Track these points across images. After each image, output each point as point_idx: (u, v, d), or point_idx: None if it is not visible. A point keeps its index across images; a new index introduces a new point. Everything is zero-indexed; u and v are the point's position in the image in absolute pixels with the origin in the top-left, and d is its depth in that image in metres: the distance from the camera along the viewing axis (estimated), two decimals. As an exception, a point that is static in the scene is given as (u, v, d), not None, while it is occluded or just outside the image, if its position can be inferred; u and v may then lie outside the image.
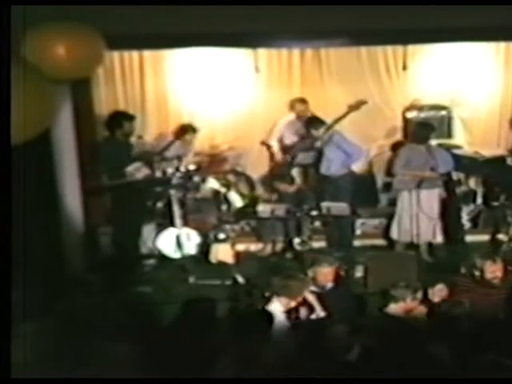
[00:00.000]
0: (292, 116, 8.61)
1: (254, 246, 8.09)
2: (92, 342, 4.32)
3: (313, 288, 5.78)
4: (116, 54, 8.21)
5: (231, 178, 8.67)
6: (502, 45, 8.55)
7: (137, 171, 7.28)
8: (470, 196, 8.37)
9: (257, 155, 8.87)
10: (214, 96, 8.71)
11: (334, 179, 7.86)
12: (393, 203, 7.90)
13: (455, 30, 6.72)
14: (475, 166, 8.30)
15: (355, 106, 8.08)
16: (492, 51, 8.64)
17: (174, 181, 7.64)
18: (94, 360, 4.15)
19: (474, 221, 8.27)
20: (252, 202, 8.31)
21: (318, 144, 7.95)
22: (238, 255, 7.69)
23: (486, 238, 7.99)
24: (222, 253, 7.59)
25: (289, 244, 7.82)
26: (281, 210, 7.44)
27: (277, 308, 5.32)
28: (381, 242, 8.09)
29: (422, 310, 5.52)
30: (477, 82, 8.79)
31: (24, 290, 5.01)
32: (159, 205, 7.81)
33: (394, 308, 5.45)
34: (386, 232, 8.02)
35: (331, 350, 4.52)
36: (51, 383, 3.92)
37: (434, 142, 7.86)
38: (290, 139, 8.51)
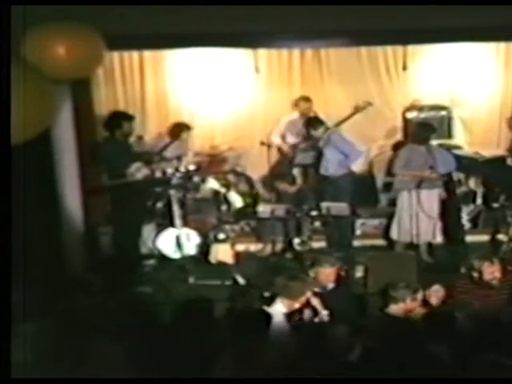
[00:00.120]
0: (295, 115, 8.60)
1: (253, 247, 8.09)
2: (92, 341, 4.31)
3: (315, 289, 5.75)
4: (116, 54, 8.22)
5: (231, 178, 8.67)
6: (502, 45, 8.56)
7: (137, 171, 7.28)
8: (470, 196, 8.37)
9: (257, 155, 8.87)
10: (214, 96, 8.72)
11: (333, 179, 7.86)
12: (393, 203, 7.89)
13: (455, 30, 6.73)
14: (475, 167, 8.29)
15: (361, 108, 8.09)
16: (492, 51, 8.65)
17: (174, 181, 7.64)
18: (94, 360, 4.15)
19: (474, 221, 8.27)
20: (252, 202, 8.31)
21: (318, 144, 7.95)
22: (237, 255, 7.69)
23: (485, 238, 7.98)
24: (222, 253, 7.59)
25: (289, 244, 7.82)
26: (281, 210, 7.44)
27: (279, 309, 5.29)
28: (381, 242, 8.09)
29: (421, 310, 5.51)
30: (477, 83, 8.80)
31: (24, 290, 5.01)
32: (159, 205, 7.81)
33: (394, 309, 5.45)
34: (385, 232, 8.02)
35: (331, 350, 4.51)
36: (51, 383, 3.91)
37: (434, 143, 7.86)
38: (291, 138, 8.51)
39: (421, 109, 8.70)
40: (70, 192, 7.20)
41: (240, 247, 7.94)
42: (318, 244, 7.86)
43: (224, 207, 8.30)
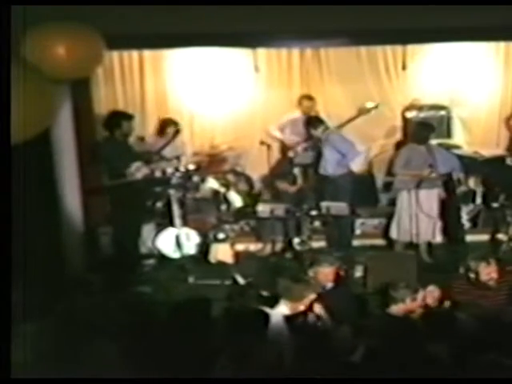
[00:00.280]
0: (297, 114, 8.59)
1: (253, 246, 8.09)
2: (92, 341, 4.32)
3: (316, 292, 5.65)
4: (116, 54, 8.22)
5: (231, 177, 8.67)
6: (502, 45, 8.56)
7: (137, 171, 7.28)
8: (470, 196, 8.37)
9: (256, 155, 8.86)
10: (213, 96, 8.72)
11: (333, 179, 7.85)
12: (392, 203, 7.90)
13: (455, 30, 6.73)
14: (475, 166, 8.29)
15: (365, 111, 8.10)
16: (492, 51, 8.64)
17: (174, 181, 7.63)
18: (94, 360, 4.15)
19: (474, 221, 8.28)
20: (251, 201, 8.31)
21: (318, 144, 7.96)
22: (237, 255, 7.69)
23: (485, 237, 7.99)
24: (222, 253, 7.60)
25: (288, 244, 7.82)
26: (280, 210, 7.44)
27: (282, 311, 5.23)
28: (380, 241, 8.10)
29: (419, 310, 5.51)
30: (476, 82, 8.80)
31: (24, 290, 5.01)
32: (159, 205, 7.81)
33: (394, 309, 5.44)
34: (385, 232, 8.02)
35: (331, 350, 4.52)
36: (51, 383, 3.92)
37: (433, 142, 7.86)
38: (291, 135, 8.52)
39: (420, 108, 8.71)
40: (70, 192, 7.19)
41: (240, 247, 7.94)
42: (318, 244, 7.86)
43: (224, 207, 8.30)
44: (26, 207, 5.96)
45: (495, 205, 7.84)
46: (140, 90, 8.67)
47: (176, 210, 7.57)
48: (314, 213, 7.51)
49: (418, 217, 7.47)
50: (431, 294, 5.73)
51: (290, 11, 6.18)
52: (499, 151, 8.68)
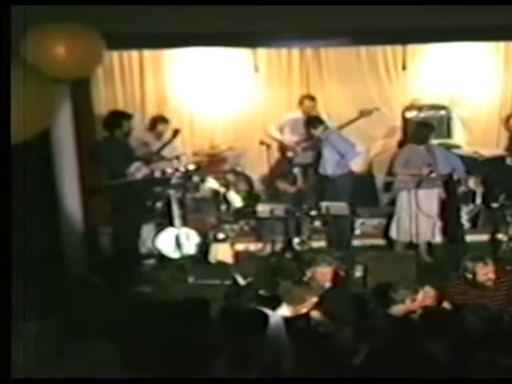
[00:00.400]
0: (298, 113, 8.58)
1: (253, 246, 8.08)
2: (91, 342, 4.31)
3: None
4: (115, 54, 8.22)
5: (231, 177, 8.67)
6: (502, 45, 8.56)
7: (137, 171, 7.28)
8: (470, 196, 8.37)
9: (256, 155, 8.86)
10: (213, 96, 8.72)
11: (333, 179, 7.86)
12: (392, 203, 7.89)
13: (455, 30, 6.73)
14: (475, 166, 8.29)
15: (366, 113, 8.10)
16: (492, 51, 8.65)
17: (174, 181, 7.64)
18: (94, 360, 4.15)
19: (474, 221, 8.27)
20: (251, 201, 8.31)
21: (318, 144, 7.96)
22: (237, 255, 7.69)
23: (485, 237, 7.98)
24: (222, 253, 7.59)
25: (288, 244, 7.82)
26: (280, 210, 7.44)
27: (284, 313, 5.22)
28: (380, 241, 8.09)
29: (418, 311, 5.50)
30: (476, 82, 8.81)
31: (24, 290, 5.00)
32: (158, 205, 7.81)
33: (394, 309, 5.44)
34: (385, 232, 8.02)
35: (332, 351, 4.52)
36: (51, 383, 3.92)
37: (433, 142, 7.86)
38: (291, 135, 8.52)
39: (420, 108, 8.71)
40: (70, 192, 7.19)
41: (239, 247, 7.94)
42: (318, 244, 7.86)
43: (223, 207, 8.31)
44: (26, 207, 5.96)
45: (495, 205, 7.83)
46: (140, 90, 8.67)
47: (176, 210, 7.57)
48: (313, 213, 7.51)
49: (418, 217, 7.47)
50: (427, 294, 5.72)
51: (290, 11, 6.19)
52: (499, 151, 8.68)
